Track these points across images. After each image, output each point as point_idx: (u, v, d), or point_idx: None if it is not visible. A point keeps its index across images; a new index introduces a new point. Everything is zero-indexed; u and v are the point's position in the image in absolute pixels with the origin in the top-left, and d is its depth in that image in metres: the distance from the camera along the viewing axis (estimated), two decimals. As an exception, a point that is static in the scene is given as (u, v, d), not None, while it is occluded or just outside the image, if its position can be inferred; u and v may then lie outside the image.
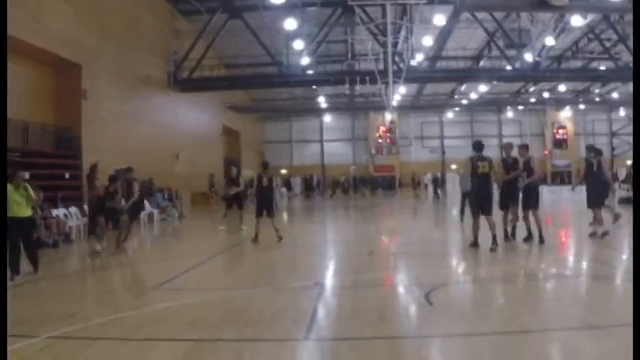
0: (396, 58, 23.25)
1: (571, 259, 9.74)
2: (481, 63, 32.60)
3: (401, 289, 7.39)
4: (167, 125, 24.50)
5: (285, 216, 21.87)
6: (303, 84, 30.75)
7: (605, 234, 10.65)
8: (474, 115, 48.50)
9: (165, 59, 24.95)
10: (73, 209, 14.24)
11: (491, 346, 4.56)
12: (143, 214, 15.21)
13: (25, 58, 14.98)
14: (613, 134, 47.17)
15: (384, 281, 7.90)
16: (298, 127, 49.82)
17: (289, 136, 50.08)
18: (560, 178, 44.60)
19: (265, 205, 11.91)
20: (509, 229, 10.46)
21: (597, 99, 40.99)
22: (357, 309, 5.89)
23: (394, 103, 25.82)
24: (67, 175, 15.93)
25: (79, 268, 10.42)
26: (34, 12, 14.81)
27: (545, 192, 23.68)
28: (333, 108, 42.86)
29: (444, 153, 49.11)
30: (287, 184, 42.21)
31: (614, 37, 26.71)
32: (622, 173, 25.58)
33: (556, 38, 25.42)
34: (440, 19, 22.41)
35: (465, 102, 41.98)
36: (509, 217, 10.50)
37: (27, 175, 9.33)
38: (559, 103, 42.78)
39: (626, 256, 9.07)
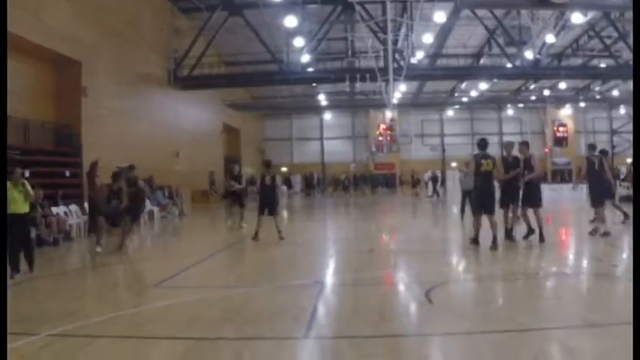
0: (397, 56, 23.20)
1: (571, 257, 9.74)
2: (481, 60, 32.50)
3: (401, 288, 7.39)
4: (167, 123, 24.47)
5: (285, 214, 21.86)
6: (304, 81, 30.77)
7: (606, 234, 10.63)
8: (475, 112, 48.36)
9: (165, 57, 24.90)
10: (74, 207, 14.23)
11: (491, 345, 4.56)
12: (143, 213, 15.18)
13: (24, 55, 14.94)
14: (613, 132, 47.07)
15: (384, 279, 7.91)
16: (298, 124, 49.69)
17: (289, 134, 49.95)
18: (561, 176, 44.51)
19: (267, 204, 11.88)
20: (509, 227, 10.43)
21: (598, 97, 40.91)
22: (357, 307, 5.89)
23: (394, 100, 25.74)
24: (67, 173, 15.88)
25: (79, 265, 10.42)
26: (34, 9, 14.77)
27: (546, 190, 23.60)
28: (333, 105, 42.73)
29: (444, 151, 49.01)
30: (287, 181, 42.19)
31: (615, 34, 26.65)
32: (622, 171, 25.56)
33: (556, 36, 25.33)
34: (440, 17, 22.35)
35: (465, 100, 41.87)
36: (510, 215, 10.49)
37: (27, 172, 9.32)
38: (559, 100, 42.71)
39: (626, 254, 9.08)
